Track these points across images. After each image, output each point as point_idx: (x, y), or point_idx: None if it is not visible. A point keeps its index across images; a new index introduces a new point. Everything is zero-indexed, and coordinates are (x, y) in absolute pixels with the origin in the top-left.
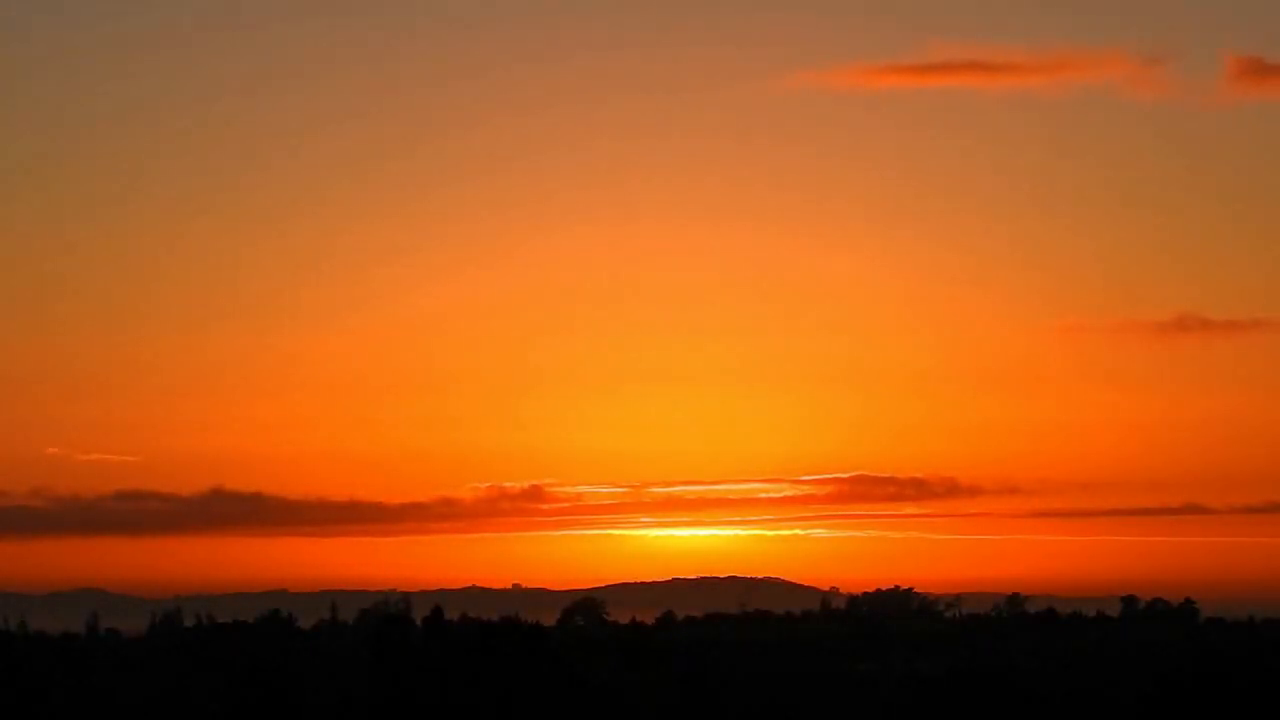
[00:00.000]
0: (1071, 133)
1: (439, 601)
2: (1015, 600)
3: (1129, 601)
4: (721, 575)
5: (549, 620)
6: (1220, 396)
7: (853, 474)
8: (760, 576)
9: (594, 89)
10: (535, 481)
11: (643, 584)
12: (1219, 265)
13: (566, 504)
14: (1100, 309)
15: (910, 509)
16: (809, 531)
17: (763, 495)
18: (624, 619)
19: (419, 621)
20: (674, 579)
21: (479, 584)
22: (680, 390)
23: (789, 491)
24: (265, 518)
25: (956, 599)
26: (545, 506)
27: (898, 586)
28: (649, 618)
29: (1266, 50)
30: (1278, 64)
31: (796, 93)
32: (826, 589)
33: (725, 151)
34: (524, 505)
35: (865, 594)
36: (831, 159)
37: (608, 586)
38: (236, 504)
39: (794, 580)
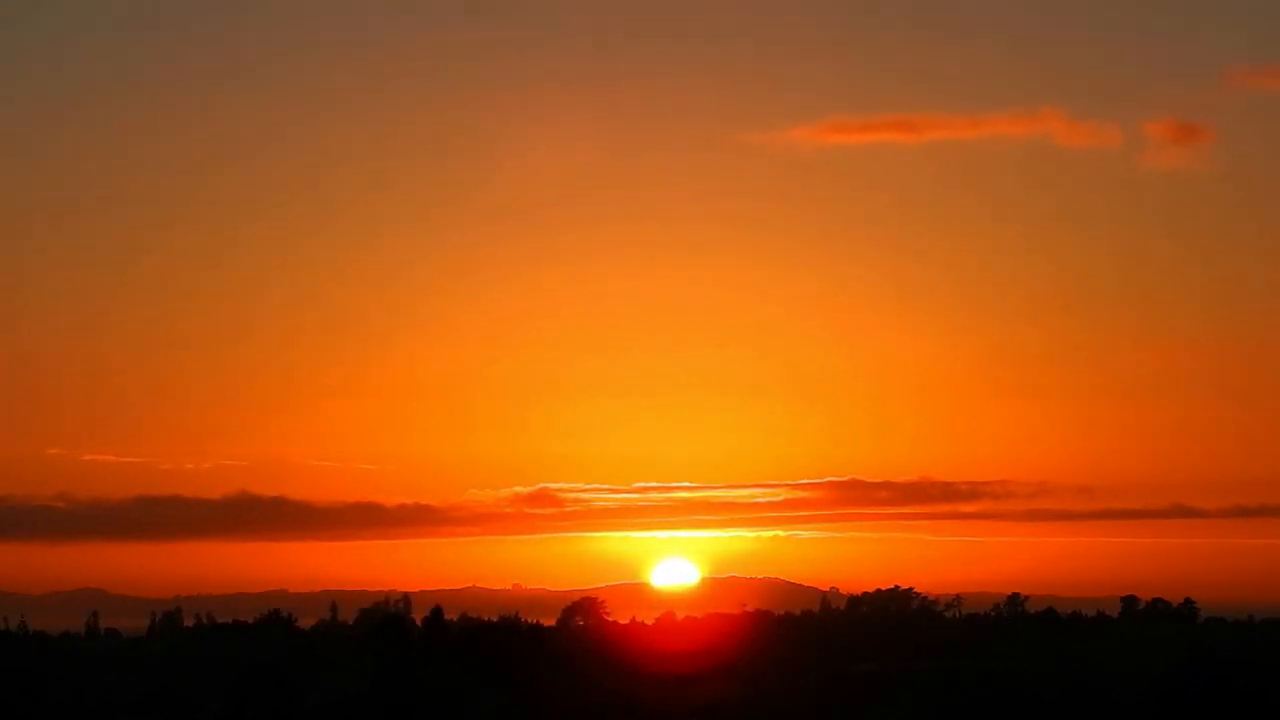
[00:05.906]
0: (1016, 178)
1: (439, 602)
2: (1015, 600)
3: (1129, 601)
4: (722, 576)
5: (549, 620)
6: (1211, 402)
7: (848, 478)
8: (760, 576)
9: (589, 137)
10: (539, 485)
11: (642, 584)
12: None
13: (569, 507)
14: (1089, 321)
15: (907, 511)
16: (794, 532)
17: (761, 499)
18: (624, 619)
19: (419, 621)
20: (674, 580)
21: (479, 584)
22: (681, 396)
23: (786, 495)
24: (280, 522)
25: (956, 599)
26: (549, 510)
27: (898, 586)
28: (649, 618)
29: (1184, 109)
30: (1195, 122)
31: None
32: (826, 589)
33: (722, 188)
34: (528, 509)
35: (865, 594)
36: (829, 201)
37: (607, 586)
38: (259, 509)
39: (794, 580)
